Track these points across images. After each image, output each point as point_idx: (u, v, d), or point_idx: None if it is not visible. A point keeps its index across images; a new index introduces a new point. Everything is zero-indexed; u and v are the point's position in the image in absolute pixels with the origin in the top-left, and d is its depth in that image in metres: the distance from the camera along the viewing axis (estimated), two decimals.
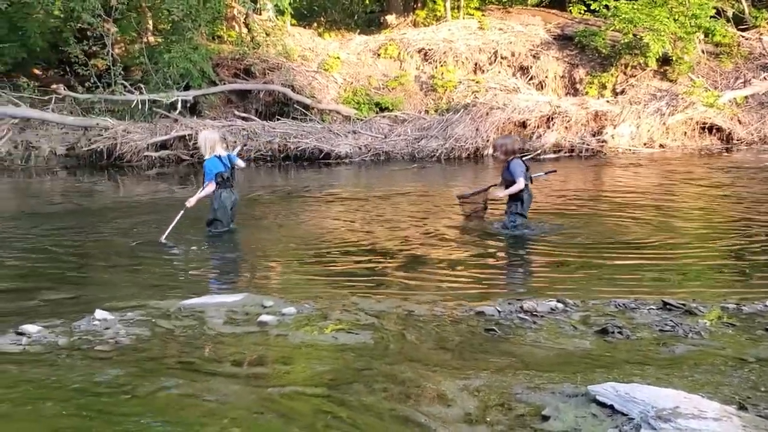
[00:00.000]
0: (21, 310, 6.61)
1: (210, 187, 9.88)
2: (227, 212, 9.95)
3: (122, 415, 4.23)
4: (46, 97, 19.59)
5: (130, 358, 5.17)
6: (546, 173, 11.14)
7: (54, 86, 20.03)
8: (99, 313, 6.02)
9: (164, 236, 9.75)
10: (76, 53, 19.40)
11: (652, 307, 6.22)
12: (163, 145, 18.62)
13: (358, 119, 20.12)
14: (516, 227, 9.65)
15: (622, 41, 21.16)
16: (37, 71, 23.89)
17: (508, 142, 9.98)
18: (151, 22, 22.85)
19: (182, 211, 9.93)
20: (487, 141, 18.80)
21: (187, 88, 19.84)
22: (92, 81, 19.43)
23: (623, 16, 20.82)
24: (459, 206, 10.65)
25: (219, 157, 9.91)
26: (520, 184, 9.54)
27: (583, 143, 18.87)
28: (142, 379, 4.75)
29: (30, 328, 5.72)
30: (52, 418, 4.20)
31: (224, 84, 20.88)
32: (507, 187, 9.65)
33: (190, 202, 9.95)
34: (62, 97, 19.68)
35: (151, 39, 22.34)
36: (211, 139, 10.01)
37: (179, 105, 19.28)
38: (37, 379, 4.79)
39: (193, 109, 20.23)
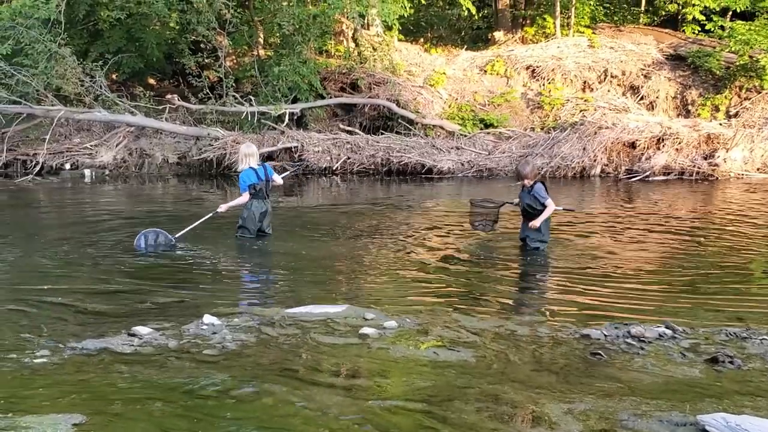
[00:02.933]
0: (133, 312, 6.84)
1: (243, 198, 10.26)
2: (255, 221, 10.29)
3: (228, 419, 4.33)
4: (161, 107, 20.25)
5: (236, 363, 5.29)
6: (564, 208, 10.85)
7: (168, 96, 20.71)
8: (207, 318, 6.19)
9: (179, 234, 10.16)
10: (190, 65, 20.01)
11: (764, 336, 5.99)
12: (270, 156, 19.00)
13: (462, 135, 20.07)
14: (542, 252, 9.56)
15: (738, 63, 20.55)
16: (152, 81, 24.76)
17: (535, 164, 9.76)
18: (262, 35, 23.39)
19: (211, 215, 10.47)
20: (595, 160, 18.50)
21: (294, 100, 20.21)
22: (204, 92, 19.99)
23: (739, 37, 20.22)
24: (468, 212, 10.56)
25: (254, 170, 10.27)
26: (552, 205, 9.44)
27: (694, 166, 18.31)
28: (246, 384, 4.85)
29: (142, 329, 5.92)
30: (161, 418, 4.33)
31: (330, 97, 21.18)
32: (529, 211, 9.51)
33: (222, 208, 10.42)
34: (176, 107, 20.34)
35: (262, 52, 22.87)
36: (247, 152, 10.40)
37: (286, 117, 19.64)
38: (147, 380, 4.95)
39: (299, 121, 20.58)
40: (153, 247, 10.10)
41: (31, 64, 18.52)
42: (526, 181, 9.46)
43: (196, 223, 10.44)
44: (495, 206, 10.24)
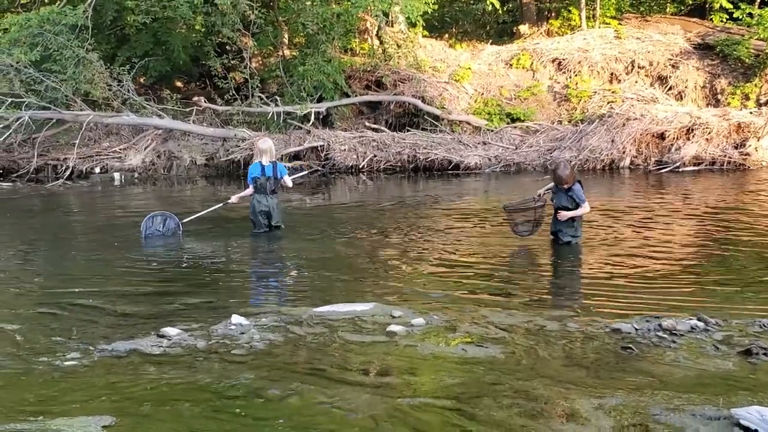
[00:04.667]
0: (162, 313, 6.87)
1: (249, 190, 10.84)
2: (257, 216, 10.74)
3: (256, 419, 4.34)
4: (188, 109, 20.34)
5: (264, 363, 5.30)
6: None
7: (195, 98, 20.81)
8: (235, 318, 6.20)
9: (187, 219, 11.03)
10: (216, 67, 20.09)
11: None
12: (297, 156, 19.04)
13: (488, 130, 19.97)
14: (574, 246, 9.53)
15: (767, 50, 20.23)
16: (179, 84, 24.89)
17: (570, 167, 9.65)
18: (286, 36, 23.43)
19: (221, 205, 11.46)
20: (624, 152, 18.34)
21: (320, 99, 20.22)
22: (231, 93, 20.06)
23: None
24: (507, 219, 10.24)
25: (261, 165, 10.69)
26: (587, 207, 9.44)
27: (725, 156, 18.09)
28: (275, 384, 4.85)
29: (170, 330, 5.95)
30: (190, 419, 4.35)
31: (356, 95, 21.16)
32: (563, 210, 9.45)
33: (232, 200, 11.25)
34: (202, 109, 20.42)
35: (287, 52, 22.91)
36: (262, 147, 10.87)
37: (312, 116, 19.66)
38: (176, 380, 4.97)
39: (325, 120, 20.59)
40: (160, 233, 10.75)
41: (60, 69, 18.67)
42: (568, 185, 9.37)
43: (206, 211, 11.25)
44: (537, 206, 9.84)
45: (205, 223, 11.17)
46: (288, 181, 10.99)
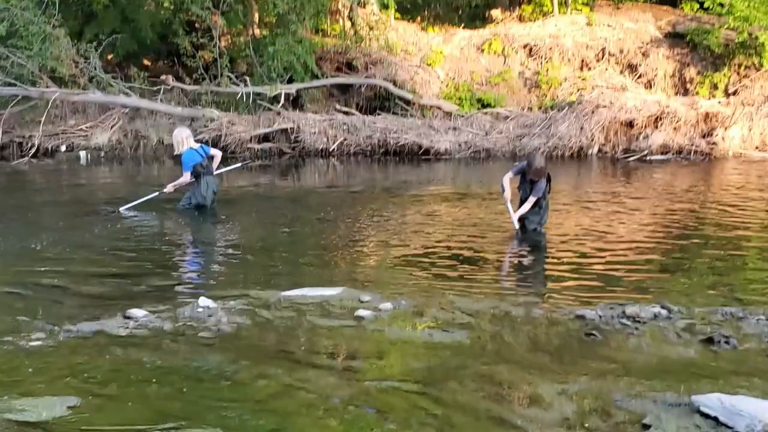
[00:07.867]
0: (128, 294, 6.84)
1: (186, 177, 10.84)
2: (209, 197, 10.85)
3: (223, 401, 4.34)
4: (155, 88, 20.10)
5: (232, 346, 5.30)
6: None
7: (163, 77, 20.56)
8: (203, 301, 6.19)
9: (125, 207, 11.04)
10: (185, 45, 19.88)
11: (761, 317, 5.99)
12: (266, 137, 18.95)
13: (459, 115, 19.99)
14: (540, 233, 9.65)
15: (737, 40, 20.40)
16: (147, 62, 24.56)
17: (545, 162, 9.68)
18: (257, 15, 23.21)
19: (157, 193, 11.23)
20: (592, 140, 18.46)
21: (290, 81, 20.09)
22: (199, 73, 19.88)
23: (738, 14, 20.04)
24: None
25: (195, 150, 10.77)
26: (530, 201, 9.43)
27: (692, 145, 18.28)
28: (242, 367, 4.86)
29: (137, 312, 5.92)
30: (157, 401, 4.34)
31: (327, 77, 21.05)
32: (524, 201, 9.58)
33: (168, 189, 11.10)
34: (170, 88, 20.19)
35: (257, 32, 22.69)
36: (184, 135, 10.92)
37: (282, 98, 19.54)
38: (142, 362, 4.95)
39: (295, 102, 20.46)
40: None
41: (26, 45, 18.38)
42: (542, 177, 9.39)
43: (142, 200, 11.14)
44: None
45: (170, 205, 11.07)
46: (217, 151, 11.27)
